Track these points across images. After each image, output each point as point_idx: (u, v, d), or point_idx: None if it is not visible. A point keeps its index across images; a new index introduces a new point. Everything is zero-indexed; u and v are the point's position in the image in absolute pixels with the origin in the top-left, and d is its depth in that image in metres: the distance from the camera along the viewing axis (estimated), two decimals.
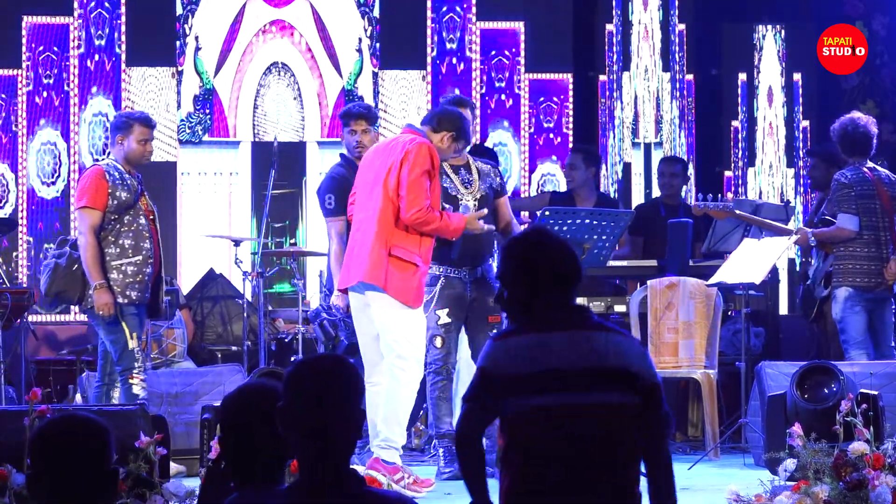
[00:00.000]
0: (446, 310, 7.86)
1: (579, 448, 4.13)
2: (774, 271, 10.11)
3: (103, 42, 11.37)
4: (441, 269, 7.89)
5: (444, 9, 11.79)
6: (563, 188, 11.13)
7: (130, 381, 7.69)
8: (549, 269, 4.30)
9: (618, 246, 10.26)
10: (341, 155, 8.62)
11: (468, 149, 8.03)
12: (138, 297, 7.76)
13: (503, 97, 11.88)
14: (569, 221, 7.86)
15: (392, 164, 7.41)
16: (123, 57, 11.38)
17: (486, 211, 7.70)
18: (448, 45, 11.78)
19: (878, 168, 9.06)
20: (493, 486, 4.26)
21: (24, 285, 10.56)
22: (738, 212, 9.27)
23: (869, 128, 8.97)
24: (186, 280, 11.12)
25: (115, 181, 7.77)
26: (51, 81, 11.31)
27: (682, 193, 11.06)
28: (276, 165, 9.87)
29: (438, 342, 7.87)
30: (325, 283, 9.09)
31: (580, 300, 9.73)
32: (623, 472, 4.17)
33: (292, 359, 9.53)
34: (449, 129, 7.60)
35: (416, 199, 7.32)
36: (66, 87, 11.32)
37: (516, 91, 11.85)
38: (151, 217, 7.92)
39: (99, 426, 3.43)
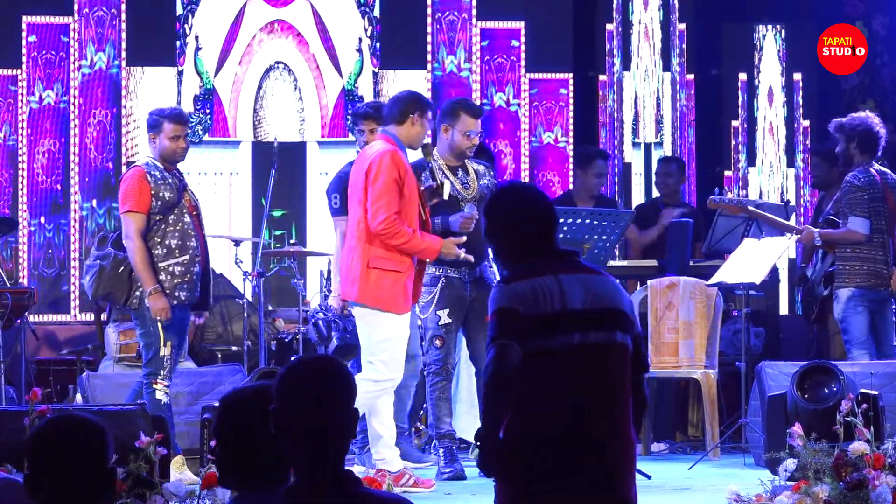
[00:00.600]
0: (447, 310, 7.87)
1: (589, 384, 4.40)
2: (774, 271, 10.11)
3: (103, 42, 11.37)
4: (441, 270, 7.89)
5: (444, 9, 11.79)
6: (559, 190, 11.16)
7: (154, 385, 7.62)
8: (533, 221, 4.59)
9: (637, 239, 10.27)
10: (358, 153, 8.67)
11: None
12: (188, 297, 7.68)
13: (503, 97, 11.87)
14: (569, 221, 7.86)
15: (362, 178, 7.50)
16: (124, 55, 11.38)
17: (464, 238, 7.68)
18: (448, 45, 11.78)
19: (885, 170, 9.05)
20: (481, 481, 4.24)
21: (24, 285, 10.56)
22: (750, 208, 9.28)
23: (881, 131, 9.00)
24: None
25: (157, 181, 7.67)
26: (50, 84, 11.32)
27: (681, 193, 11.07)
28: (277, 165, 9.87)
29: (438, 342, 7.88)
30: (326, 282, 9.10)
31: None
32: (624, 406, 4.50)
33: (292, 358, 9.53)
34: (411, 112, 7.65)
35: (382, 208, 7.38)
36: (65, 87, 11.31)
37: (516, 91, 11.84)
38: (195, 213, 7.86)
39: (97, 426, 3.43)
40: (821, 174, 10.39)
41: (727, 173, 12.11)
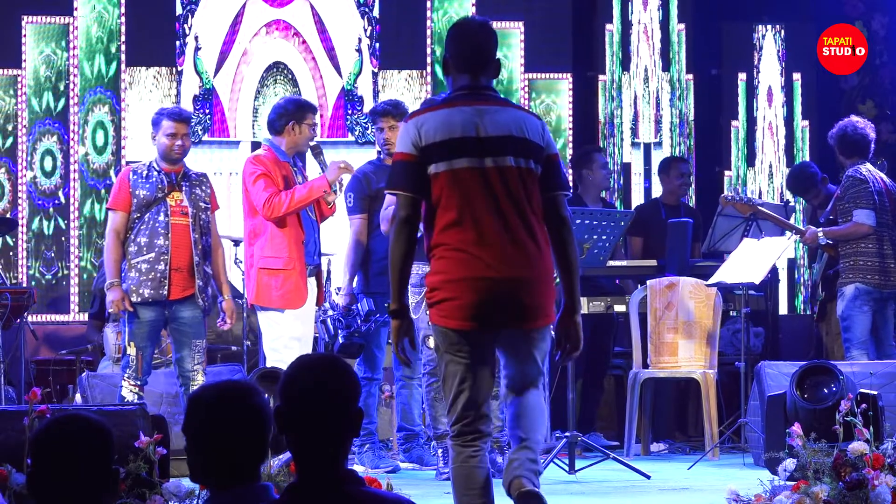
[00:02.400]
0: None
1: (497, 200, 5.06)
2: (774, 271, 10.11)
3: (103, 42, 11.37)
4: None
5: (444, 9, 11.79)
6: None
7: (123, 382, 7.80)
8: (459, 55, 5.20)
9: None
10: (378, 152, 8.74)
11: None
12: (152, 294, 7.76)
13: (502, 97, 11.87)
14: None
15: (243, 192, 8.19)
16: (123, 58, 11.38)
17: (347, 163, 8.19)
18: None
19: (879, 172, 9.04)
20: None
21: (24, 285, 10.56)
22: (760, 207, 9.28)
23: (867, 131, 8.96)
24: None
25: (137, 180, 7.86)
26: (51, 82, 11.31)
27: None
28: None
29: (431, 342, 7.86)
30: (326, 281, 9.10)
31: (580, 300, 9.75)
32: (532, 220, 5.09)
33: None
34: (286, 122, 8.11)
35: (259, 195, 7.97)
36: (65, 87, 11.31)
37: (515, 91, 11.84)
38: (184, 213, 7.89)
39: (100, 425, 3.43)
40: (817, 202, 10.31)
41: (727, 173, 12.11)
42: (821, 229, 9.06)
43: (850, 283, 8.84)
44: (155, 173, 7.88)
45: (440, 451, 7.88)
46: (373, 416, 8.55)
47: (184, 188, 7.91)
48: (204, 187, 8.00)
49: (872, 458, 6.11)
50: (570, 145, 11.78)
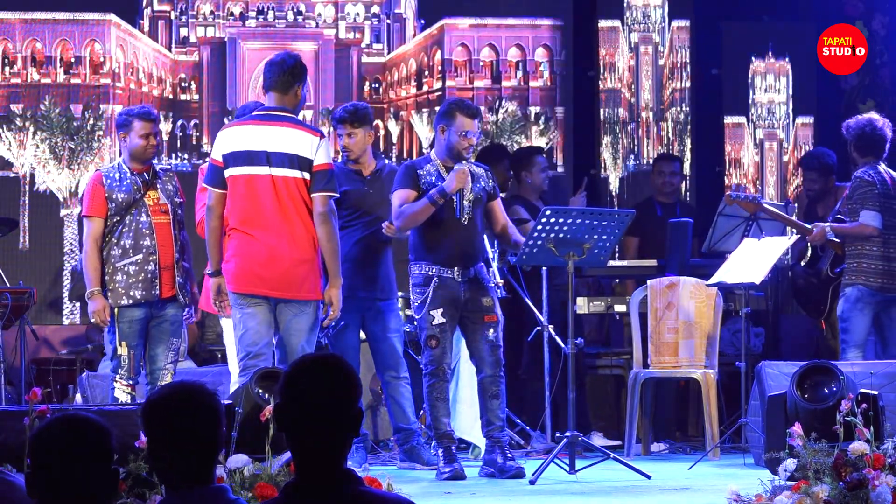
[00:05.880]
0: (440, 310, 7.86)
1: (272, 203, 7.12)
2: (774, 271, 10.11)
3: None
4: (434, 270, 7.89)
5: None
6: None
7: (115, 383, 7.77)
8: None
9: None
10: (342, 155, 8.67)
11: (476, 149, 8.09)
12: (143, 295, 7.75)
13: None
14: (569, 221, 7.85)
15: None
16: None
17: None
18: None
19: (891, 171, 9.04)
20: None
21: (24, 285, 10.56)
22: (765, 205, 9.27)
23: (886, 131, 8.97)
24: None
25: (112, 184, 7.80)
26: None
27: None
28: None
29: (433, 343, 7.87)
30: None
31: (580, 300, 9.75)
32: (297, 220, 7.12)
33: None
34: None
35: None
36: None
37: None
38: (164, 211, 7.88)
39: (101, 426, 3.43)
40: (818, 187, 10.36)
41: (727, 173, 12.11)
42: (828, 224, 9.05)
43: (853, 285, 8.85)
44: (128, 175, 7.84)
45: (440, 451, 7.88)
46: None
47: (158, 186, 7.90)
48: (173, 182, 7.98)
49: (873, 458, 6.11)
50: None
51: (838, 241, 9.06)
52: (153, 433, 3.48)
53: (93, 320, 7.83)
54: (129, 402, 7.63)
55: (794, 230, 9.26)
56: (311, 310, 7.30)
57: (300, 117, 7.57)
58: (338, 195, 7.37)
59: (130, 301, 7.74)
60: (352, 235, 8.33)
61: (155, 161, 8.00)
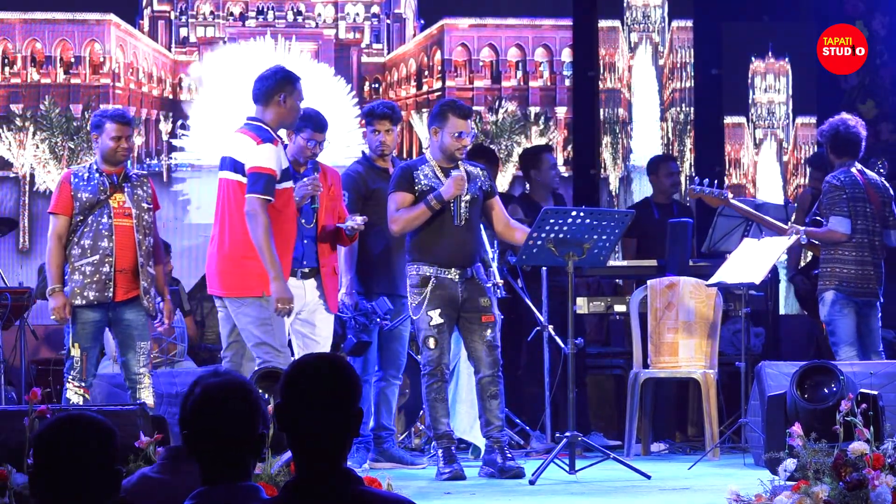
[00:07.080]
0: (438, 310, 7.85)
1: (217, 204, 7.29)
2: (774, 271, 10.11)
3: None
4: (432, 270, 7.88)
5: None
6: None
7: (67, 384, 7.78)
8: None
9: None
10: (363, 153, 8.67)
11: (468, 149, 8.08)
12: (97, 296, 7.74)
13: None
14: (569, 221, 7.85)
15: None
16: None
17: None
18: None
19: (867, 171, 9.02)
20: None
21: (24, 285, 10.56)
22: (732, 201, 9.22)
23: (859, 130, 8.94)
24: (187, 280, 11.11)
25: (79, 183, 7.81)
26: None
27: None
28: None
29: (431, 343, 7.86)
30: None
31: (580, 300, 9.75)
32: (227, 220, 7.29)
33: (292, 358, 9.50)
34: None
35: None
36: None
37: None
38: (128, 214, 7.86)
39: (104, 426, 3.44)
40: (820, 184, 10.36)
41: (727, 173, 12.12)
42: (804, 228, 9.04)
43: (828, 290, 8.86)
44: (97, 175, 7.83)
45: (440, 451, 7.88)
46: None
47: (126, 189, 7.87)
48: (145, 187, 7.95)
49: (873, 458, 6.10)
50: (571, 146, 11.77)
51: (815, 243, 9.06)
52: (198, 425, 3.50)
53: (52, 318, 7.82)
54: (80, 403, 7.62)
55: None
56: (237, 307, 7.42)
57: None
58: (271, 199, 7.34)
59: (84, 301, 7.73)
60: (384, 234, 8.30)
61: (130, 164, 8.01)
